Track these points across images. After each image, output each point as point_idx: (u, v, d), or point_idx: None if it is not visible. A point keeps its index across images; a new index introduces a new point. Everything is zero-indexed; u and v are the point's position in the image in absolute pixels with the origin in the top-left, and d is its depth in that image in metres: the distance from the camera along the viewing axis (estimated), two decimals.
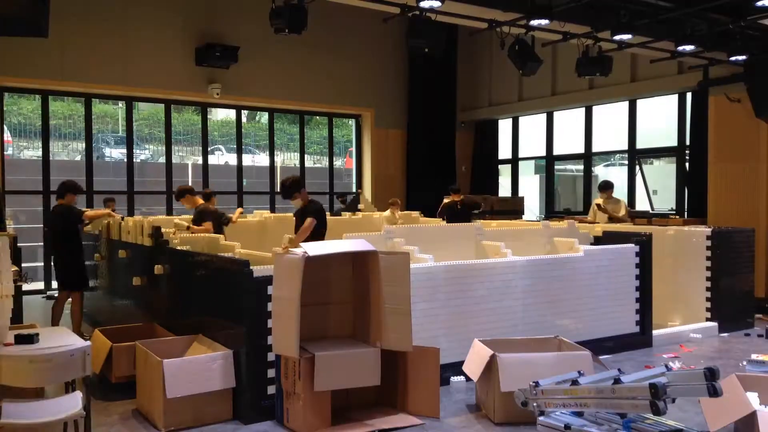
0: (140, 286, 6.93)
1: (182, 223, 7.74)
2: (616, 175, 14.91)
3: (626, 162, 13.24)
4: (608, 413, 3.94)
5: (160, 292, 6.49)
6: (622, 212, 9.83)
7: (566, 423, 3.86)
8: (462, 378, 5.69)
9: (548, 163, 14.51)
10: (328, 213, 7.63)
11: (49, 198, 11.56)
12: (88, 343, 4.13)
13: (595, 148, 13.60)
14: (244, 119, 14.37)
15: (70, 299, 7.60)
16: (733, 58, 9.42)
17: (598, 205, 9.90)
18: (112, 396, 5.46)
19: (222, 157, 15.39)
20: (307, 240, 6.17)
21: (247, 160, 14.85)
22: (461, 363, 5.45)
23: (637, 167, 12.99)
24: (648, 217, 10.18)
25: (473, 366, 5.13)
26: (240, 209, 9.65)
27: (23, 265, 8.40)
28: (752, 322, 8.32)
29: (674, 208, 12.18)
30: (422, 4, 7.49)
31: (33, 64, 10.87)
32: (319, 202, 7.15)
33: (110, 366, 5.46)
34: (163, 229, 6.64)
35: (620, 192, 13.17)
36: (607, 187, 10.04)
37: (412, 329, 4.85)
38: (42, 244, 11.63)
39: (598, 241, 7.87)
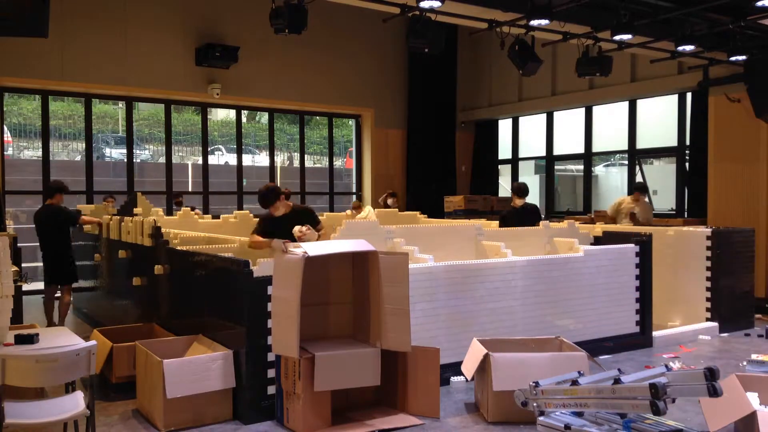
0: (140, 286, 6.93)
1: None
2: (616, 175, 14.92)
3: (626, 162, 13.25)
4: (608, 413, 3.94)
5: (160, 292, 6.49)
6: (648, 215, 9.80)
7: (566, 423, 3.86)
8: (462, 378, 5.69)
9: (548, 163, 14.50)
10: None
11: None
12: (94, 342, 4.12)
13: (595, 148, 13.59)
14: (244, 119, 14.37)
15: (58, 294, 8.02)
16: (733, 58, 9.41)
17: (633, 214, 9.51)
18: (112, 396, 5.46)
19: (222, 157, 15.39)
20: None
21: (247, 160, 14.85)
22: (461, 363, 5.45)
23: (637, 167, 12.99)
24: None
25: (469, 365, 5.14)
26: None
27: (23, 265, 8.42)
28: (752, 322, 8.32)
29: (674, 208, 12.18)
30: (422, 4, 7.49)
31: (33, 64, 10.87)
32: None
33: (110, 366, 5.46)
34: None
35: (620, 192, 13.20)
36: (644, 189, 9.90)
37: (412, 329, 4.85)
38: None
39: (598, 241, 7.87)
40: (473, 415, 5.05)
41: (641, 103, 12.64)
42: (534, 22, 8.02)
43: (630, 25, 8.16)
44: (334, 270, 5.22)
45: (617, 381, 3.67)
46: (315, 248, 4.73)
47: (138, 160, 13.59)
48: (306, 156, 14.65)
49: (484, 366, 4.88)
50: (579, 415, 4.00)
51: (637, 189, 9.85)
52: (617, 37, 8.45)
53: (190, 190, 14.05)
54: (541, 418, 4.04)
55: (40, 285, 11.20)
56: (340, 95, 14.19)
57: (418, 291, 5.60)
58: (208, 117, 13.55)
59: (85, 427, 4.15)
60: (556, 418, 3.99)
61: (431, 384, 4.98)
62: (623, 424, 3.78)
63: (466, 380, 5.62)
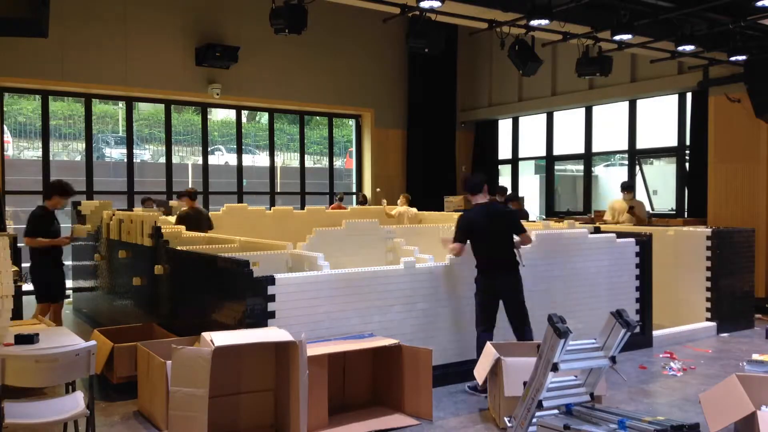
0: (140, 286, 6.93)
1: None
2: (616, 175, 14.90)
3: (626, 162, 13.24)
4: (606, 413, 3.95)
5: (160, 292, 6.49)
6: (644, 214, 9.99)
7: (565, 423, 3.86)
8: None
9: (548, 163, 14.50)
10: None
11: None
12: (94, 342, 4.12)
13: (595, 148, 13.59)
14: (244, 119, 14.36)
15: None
16: (733, 58, 9.41)
17: (631, 207, 9.79)
18: (113, 396, 5.46)
19: (222, 158, 15.36)
20: None
21: (247, 160, 14.83)
22: (461, 363, 5.45)
23: (637, 167, 12.98)
24: (648, 218, 10.20)
25: (481, 369, 5.07)
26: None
27: (23, 265, 8.41)
28: (752, 322, 8.32)
29: (674, 208, 12.18)
30: (422, 4, 7.49)
31: (33, 64, 10.87)
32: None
33: (111, 366, 5.46)
34: None
35: (620, 193, 13.17)
36: (631, 188, 10.16)
37: (413, 329, 4.79)
38: None
39: None
40: (476, 415, 5.05)
41: (641, 103, 12.63)
42: (534, 22, 8.01)
43: (630, 25, 8.16)
44: (249, 358, 4.68)
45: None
46: (224, 338, 4.34)
47: (138, 161, 13.58)
48: (306, 156, 14.64)
49: (495, 370, 4.83)
50: (576, 415, 4.01)
51: (625, 188, 10.10)
52: (617, 37, 8.45)
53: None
54: (539, 415, 4.04)
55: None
56: (340, 95, 14.19)
57: (418, 291, 5.60)
58: (208, 117, 13.55)
59: (85, 427, 4.14)
60: (556, 418, 3.99)
61: (424, 385, 4.97)
62: (618, 423, 3.78)
63: (474, 387, 5.50)
